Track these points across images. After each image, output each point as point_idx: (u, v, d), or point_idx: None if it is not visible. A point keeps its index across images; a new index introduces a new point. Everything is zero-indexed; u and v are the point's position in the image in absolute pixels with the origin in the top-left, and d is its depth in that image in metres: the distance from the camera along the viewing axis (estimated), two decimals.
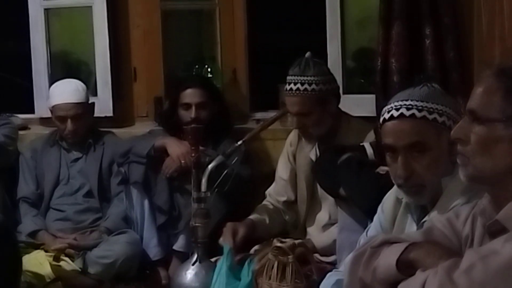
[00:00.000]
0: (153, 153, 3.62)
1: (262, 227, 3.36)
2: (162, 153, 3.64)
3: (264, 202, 3.50)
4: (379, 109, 3.49)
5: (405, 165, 2.09)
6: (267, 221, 3.39)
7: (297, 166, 3.43)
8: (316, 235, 3.32)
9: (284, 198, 3.46)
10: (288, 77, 3.23)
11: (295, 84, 3.19)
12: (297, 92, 3.18)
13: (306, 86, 3.17)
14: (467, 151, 1.61)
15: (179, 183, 3.64)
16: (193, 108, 3.71)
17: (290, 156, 3.46)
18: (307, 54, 3.23)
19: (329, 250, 3.17)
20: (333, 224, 3.22)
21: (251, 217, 3.39)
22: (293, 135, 3.49)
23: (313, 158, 3.31)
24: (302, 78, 3.18)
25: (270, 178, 3.62)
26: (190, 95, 3.74)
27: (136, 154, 3.64)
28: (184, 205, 3.61)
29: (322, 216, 3.34)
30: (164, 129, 3.85)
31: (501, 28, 3.12)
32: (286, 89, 3.23)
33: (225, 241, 3.18)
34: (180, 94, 3.75)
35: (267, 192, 3.53)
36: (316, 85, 3.18)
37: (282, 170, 3.49)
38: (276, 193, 3.49)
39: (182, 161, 3.56)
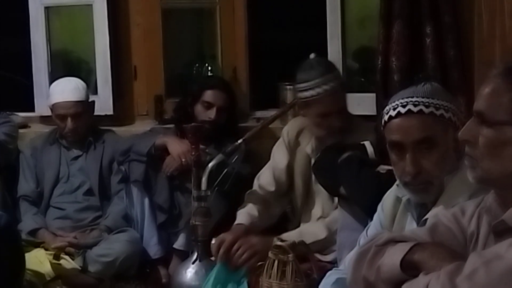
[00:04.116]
0: (154, 151, 3.63)
1: (254, 228, 3.28)
2: (162, 151, 3.64)
3: (252, 196, 3.40)
4: (379, 107, 3.49)
5: (414, 162, 2.09)
6: (258, 221, 3.31)
7: (293, 159, 3.41)
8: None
9: (273, 188, 3.38)
10: (310, 83, 3.16)
11: (319, 86, 3.14)
12: (327, 91, 3.14)
13: (330, 84, 3.15)
14: (476, 154, 1.60)
15: (180, 181, 3.65)
16: (215, 109, 3.72)
17: (288, 147, 3.42)
18: (312, 55, 3.21)
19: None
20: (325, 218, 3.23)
21: (242, 220, 3.29)
22: (289, 126, 3.46)
23: (309, 152, 3.30)
24: (323, 78, 3.15)
25: None
26: (214, 96, 3.75)
27: (136, 152, 3.64)
28: (184, 204, 3.62)
29: (316, 211, 3.33)
30: (174, 123, 3.85)
31: (501, 27, 3.12)
32: (312, 95, 3.15)
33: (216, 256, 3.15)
34: (204, 91, 3.76)
35: (255, 182, 3.43)
36: (335, 81, 3.18)
37: (278, 159, 3.41)
38: (267, 183, 3.40)
39: (183, 160, 3.56)
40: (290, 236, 3.15)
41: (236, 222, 3.29)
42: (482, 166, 1.59)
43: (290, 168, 3.40)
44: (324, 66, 3.20)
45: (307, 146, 3.32)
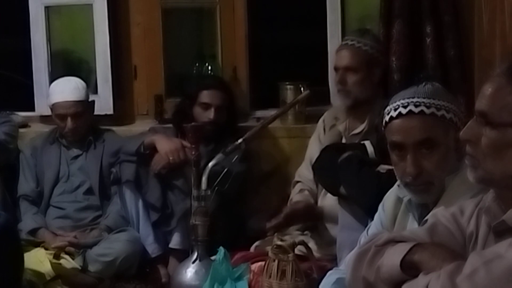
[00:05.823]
0: (143, 150, 3.61)
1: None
2: (152, 150, 3.63)
3: (298, 186, 3.51)
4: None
5: (415, 163, 2.08)
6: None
7: (324, 143, 3.44)
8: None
9: (311, 176, 3.45)
10: (346, 37, 3.50)
11: (351, 41, 3.36)
12: (351, 46, 3.34)
13: (360, 45, 3.34)
14: (478, 154, 1.59)
15: (170, 180, 3.63)
16: (213, 109, 3.71)
17: (321, 134, 3.50)
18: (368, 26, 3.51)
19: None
20: None
21: (301, 199, 3.42)
22: (326, 114, 3.55)
23: (342, 130, 3.39)
24: (359, 39, 3.36)
25: (271, 176, 3.61)
26: (211, 96, 3.74)
27: (126, 152, 3.63)
28: (175, 202, 3.61)
29: None
30: (174, 125, 3.84)
31: (502, 26, 3.11)
32: (341, 44, 3.42)
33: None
34: (200, 92, 3.74)
35: (297, 174, 3.55)
36: (370, 48, 3.34)
37: (313, 148, 3.50)
38: (305, 171, 3.50)
39: (171, 158, 3.55)
40: (328, 199, 3.26)
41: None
42: (484, 167, 1.59)
43: None
44: (368, 33, 3.40)
45: (341, 125, 3.41)
